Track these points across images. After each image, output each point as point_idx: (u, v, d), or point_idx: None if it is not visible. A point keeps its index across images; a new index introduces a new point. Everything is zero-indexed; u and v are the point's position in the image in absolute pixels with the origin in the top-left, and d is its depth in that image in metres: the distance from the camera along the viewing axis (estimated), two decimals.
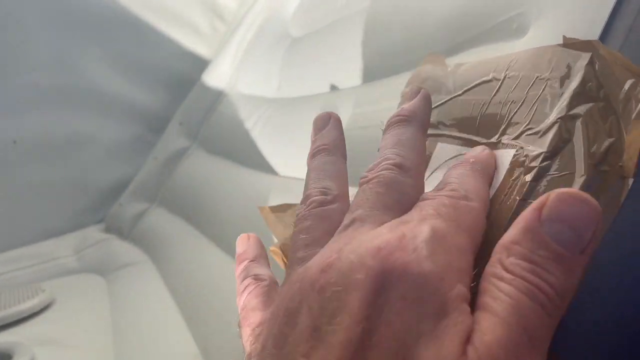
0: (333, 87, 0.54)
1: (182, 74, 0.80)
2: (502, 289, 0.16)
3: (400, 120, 0.23)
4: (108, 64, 0.78)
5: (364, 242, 0.16)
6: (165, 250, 0.65)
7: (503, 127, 0.23)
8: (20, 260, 0.69)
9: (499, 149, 0.23)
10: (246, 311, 0.22)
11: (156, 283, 0.59)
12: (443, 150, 0.27)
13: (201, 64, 0.79)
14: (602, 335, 0.19)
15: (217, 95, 0.74)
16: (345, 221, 0.19)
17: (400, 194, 0.19)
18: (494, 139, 0.23)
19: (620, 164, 0.19)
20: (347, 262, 0.16)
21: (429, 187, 0.26)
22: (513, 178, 0.22)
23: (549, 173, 0.21)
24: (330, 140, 0.24)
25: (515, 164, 0.22)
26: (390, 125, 0.23)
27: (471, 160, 0.22)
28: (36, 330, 0.53)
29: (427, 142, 0.27)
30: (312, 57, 0.61)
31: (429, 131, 0.28)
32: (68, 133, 0.77)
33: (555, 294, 0.15)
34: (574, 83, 0.22)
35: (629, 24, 0.23)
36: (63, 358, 0.47)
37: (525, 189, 0.21)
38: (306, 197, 0.21)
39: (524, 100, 0.23)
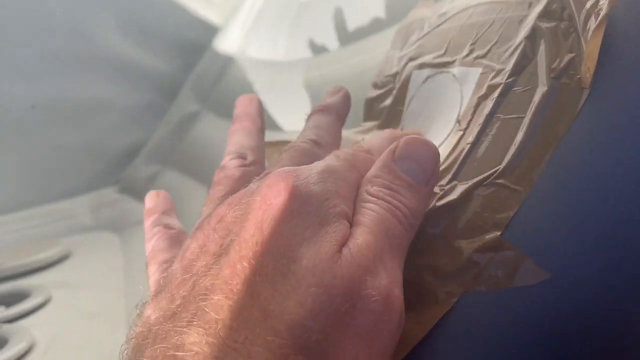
0: (321, 50, 0.56)
1: (194, 41, 0.81)
2: (369, 208, 0.20)
3: (321, 109, 0.28)
4: (122, 31, 0.80)
5: (265, 178, 0.20)
6: (177, 209, 0.67)
7: (472, 47, 0.25)
8: (39, 218, 0.72)
9: (466, 65, 0.25)
10: (154, 252, 0.25)
11: None
12: (416, 77, 0.28)
13: (212, 30, 0.81)
14: None
15: (227, 61, 0.76)
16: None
17: (312, 161, 0.22)
18: (460, 57, 0.25)
19: (579, 76, 0.21)
20: (249, 194, 0.20)
21: (407, 116, 0.28)
22: (480, 95, 0.23)
23: (514, 89, 0.22)
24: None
25: (482, 81, 0.24)
26: (313, 113, 0.28)
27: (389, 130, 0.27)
28: (52, 277, 0.56)
29: (406, 74, 0.29)
30: (316, 20, 0.62)
31: (411, 63, 0.29)
32: (84, 98, 0.79)
33: (409, 213, 0.20)
34: (539, 5, 0.23)
35: None
36: (78, 297, 0.49)
37: (492, 105, 0.23)
38: (223, 167, 0.26)
39: (493, 21, 0.24)
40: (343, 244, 0.18)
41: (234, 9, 0.80)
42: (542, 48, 0.22)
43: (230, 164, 0.27)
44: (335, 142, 0.27)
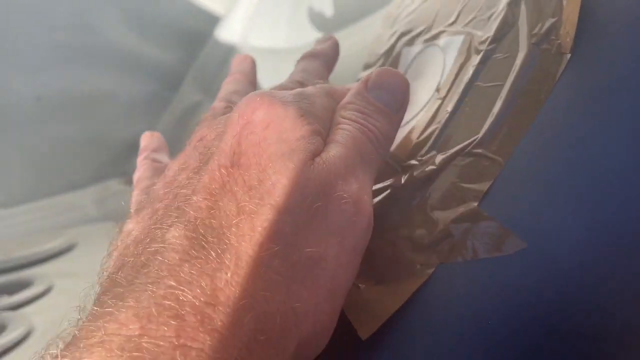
0: (321, 33, 0.55)
1: (196, 31, 0.81)
2: (342, 127, 0.21)
3: (310, 54, 0.29)
4: (125, 23, 0.80)
5: (243, 99, 0.21)
6: None
7: (455, 16, 0.24)
8: (44, 210, 0.73)
9: (450, 35, 0.24)
10: (139, 180, 0.25)
11: None
12: (407, 53, 0.28)
13: (214, 20, 0.81)
14: None
15: (230, 50, 0.76)
16: None
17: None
18: (446, 27, 0.24)
19: (559, 41, 0.20)
20: (229, 113, 0.21)
21: None
22: (461, 63, 0.23)
23: (494, 55, 0.22)
24: (241, 70, 0.31)
25: (463, 49, 0.23)
26: (302, 58, 0.29)
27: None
28: (56, 267, 0.57)
29: (397, 51, 0.28)
30: (315, 4, 0.62)
31: (404, 38, 0.29)
32: (88, 90, 0.79)
33: (380, 134, 0.21)
34: None
35: None
36: (80, 286, 0.50)
37: (472, 72, 0.22)
38: (212, 108, 0.27)
39: None
40: (316, 155, 0.19)
41: None
42: (523, 13, 0.22)
43: (217, 106, 0.27)
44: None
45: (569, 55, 0.20)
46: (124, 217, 0.76)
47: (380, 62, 0.31)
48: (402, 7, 0.31)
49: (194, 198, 0.18)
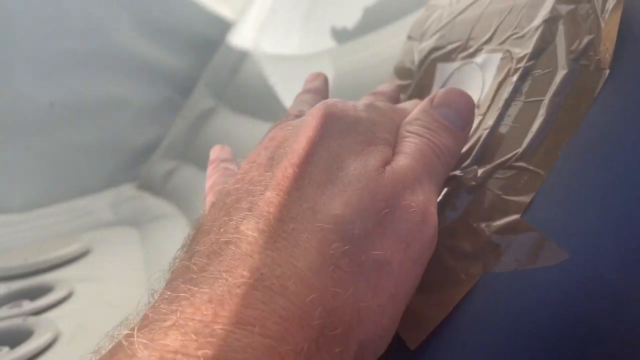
0: (336, 42, 0.56)
1: (208, 37, 0.82)
2: (410, 140, 0.21)
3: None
4: (137, 29, 0.81)
5: (316, 105, 0.22)
6: (194, 203, 0.68)
7: (492, 33, 0.25)
8: (60, 215, 0.74)
9: (487, 52, 0.25)
10: (212, 186, 0.26)
11: (186, 231, 0.62)
12: (442, 69, 0.28)
13: (225, 26, 0.81)
14: None
15: (241, 56, 0.76)
16: None
17: None
18: (482, 45, 0.25)
19: (598, 57, 0.21)
20: (302, 117, 0.22)
21: None
22: (500, 80, 0.23)
23: (533, 72, 0.22)
24: (314, 86, 0.31)
25: (502, 66, 0.24)
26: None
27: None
28: (75, 271, 0.57)
29: (429, 66, 0.29)
30: (329, 13, 0.62)
31: (433, 55, 0.30)
32: (101, 96, 0.80)
33: (446, 150, 0.21)
34: None
35: None
36: (100, 290, 0.50)
37: (511, 89, 0.23)
38: (285, 115, 0.27)
39: (512, 8, 0.24)
40: (387, 163, 0.20)
41: (247, 3, 0.81)
42: (560, 30, 0.22)
43: (291, 113, 0.28)
44: None
45: (607, 71, 0.20)
46: (137, 221, 0.76)
47: (413, 77, 0.32)
48: (431, 21, 0.31)
49: (267, 194, 0.18)
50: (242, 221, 0.17)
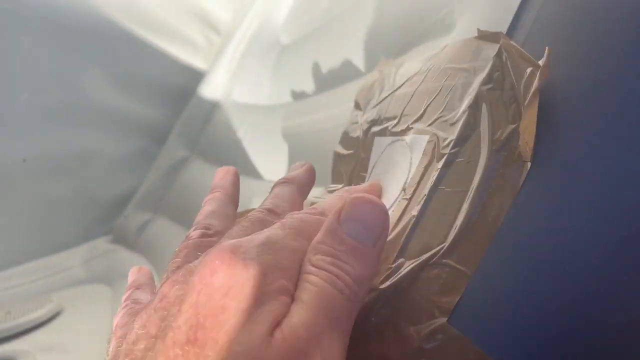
0: (301, 95, 0.56)
1: (180, 87, 0.82)
2: (309, 281, 0.19)
3: (284, 180, 0.28)
4: (109, 81, 0.81)
5: (205, 255, 0.20)
6: (167, 258, 0.67)
7: (422, 112, 0.25)
8: (32, 273, 0.72)
9: (417, 132, 0.24)
10: (116, 328, 0.25)
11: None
12: (379, 143, 0.28)
13: (198, 75, 0.81)
14: None
15: (213, 106, 0.76)
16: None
17: (263, 227, 0.22)
18: (411, 124, 0.25)
19: (518, 149, 0.20)
20: (189, 272, 0.20)
21: (372, 178, 0.27)
22: (426, 163, 0.23)
23: (457, 159, 0.22)
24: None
25: (428, 149, 0.23)
26: (276, 184, 0.28)
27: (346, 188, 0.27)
28: (42, 338, 0.56)
29: (369, 140, 0.29)
30: (296, 64, 0.63)
31: (373, 128, 0.29)
32: (74, 149, 0.80)
33: (352, 281, 0.19)
34: (482, 73, 0.23)
35: (534, 16, 0.24)
36: None
37: (436, 175, 0.22)
38: (195, 225, 0.26)
39: (440, 89, 0.24)
40: (277, 324, 0.18)
41: (219, 53, 0.81)
42: (484, 116, 0.22)
43: (192, 235, 0.27)
44: (294, 210, 0.27)
45: (529, 164, 0.20)
46: (110, 277, 0.75)
47: (354, 148, 0.32)
48: (374, 91, 0.31)
49: None
50: None
